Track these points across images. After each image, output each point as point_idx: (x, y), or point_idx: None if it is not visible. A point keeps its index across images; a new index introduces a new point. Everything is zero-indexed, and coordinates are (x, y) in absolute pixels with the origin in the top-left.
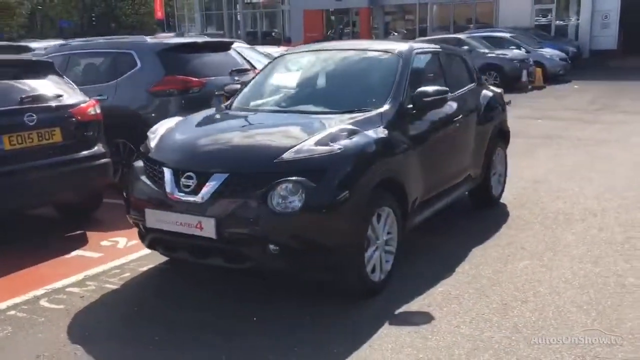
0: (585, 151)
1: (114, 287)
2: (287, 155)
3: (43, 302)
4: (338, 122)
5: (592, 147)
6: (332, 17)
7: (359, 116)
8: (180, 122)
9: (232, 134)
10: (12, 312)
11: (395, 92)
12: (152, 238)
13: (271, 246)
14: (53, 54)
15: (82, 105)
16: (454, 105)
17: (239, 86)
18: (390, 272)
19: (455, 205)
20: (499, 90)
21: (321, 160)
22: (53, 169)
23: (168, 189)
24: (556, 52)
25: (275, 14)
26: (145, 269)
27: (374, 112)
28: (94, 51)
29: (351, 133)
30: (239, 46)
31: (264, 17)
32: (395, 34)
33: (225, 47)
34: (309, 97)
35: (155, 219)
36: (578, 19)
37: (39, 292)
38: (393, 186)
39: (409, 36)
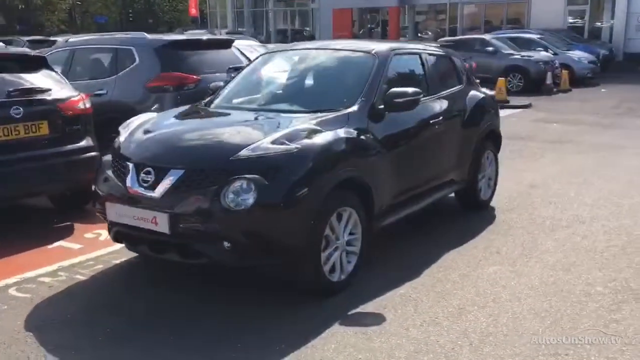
0: (593, 157)
1: (83, 278)
2: (242, 153)
3: (12, 291)
4: (302, 122)
5: (602, 152)
6: (365, 16)
7: (325, 116)
8: (151, 119)
9: (195, 131)
10: None
11: (367, 92)
12: (116, 231)
13: (225, 242)
14: (59, 49)
15: (71, 99)
16: (434, 106)
17: (222, 84)
18: (353, 273)
19: (442, 208)
20: (490, 92)
21: (275, 158)
22: (40, 160)
23: (129, 183)
24: (585, 54)
25: (305, 12)
26: (118, 261)
27: (341, 112)
28: (96, 47)
29: (311, 132)
30: (247, 44)
31: (296, 15)
32: (429, 33)
33: (226, 44)
34: (283, 96)
35: (116, 212)
36: (612, 21)
37: (12, 280)
38: (357, 187)
39: (439, 36)
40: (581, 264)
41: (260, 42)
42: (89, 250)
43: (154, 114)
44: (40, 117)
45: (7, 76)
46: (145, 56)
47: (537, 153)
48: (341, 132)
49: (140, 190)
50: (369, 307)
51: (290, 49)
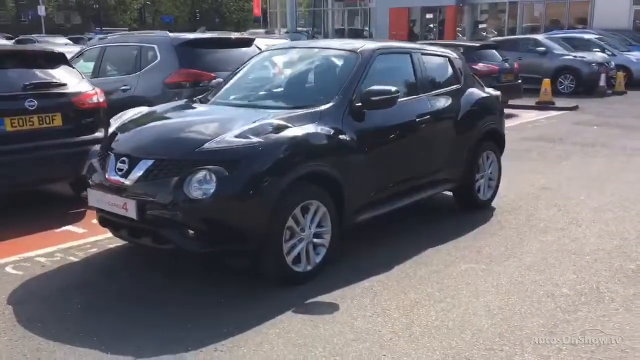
0: (620, 161)
1: (75, 259)
2: (206, 146)
3: (8, 268)
4: (272, 117)
5: (631, 157)
6: (423, 15)
7: (298, 112)
8: (141, 112)
9: (171, 124)
10: None
11: (344, 90)
12: (100, 217)
13: (190, 230)
14: (92, 46)
15: (85, 94)
16: (421, 105)
17: (221, 80)
18: (321, 264)
19: (440, 206)
20: (495, 93)
21: (237, 151)
22: (53, 150)
23: (107, 171)
24: None
25: (363, 12)
26: (112, 246)
27: (314, 109)
28: (124, 44)
29: (278, 128)
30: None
31: (354, 15)
32: (486, 33)
33: (247, 43)
34: (270, 93)
35: (95, 198)
36: None
37: (12, 258)
38: (325, 181)
39: (498, 35)
40: (558, 266)
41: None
42: (91, 235)
43: (146, 108)
44: (54, 109)
45: (25, 71)
46: (165, 54)
47: (562, 156)
48: (309, 128)
49: (115, 178)
50: (327, 297)
51: (285, 48)
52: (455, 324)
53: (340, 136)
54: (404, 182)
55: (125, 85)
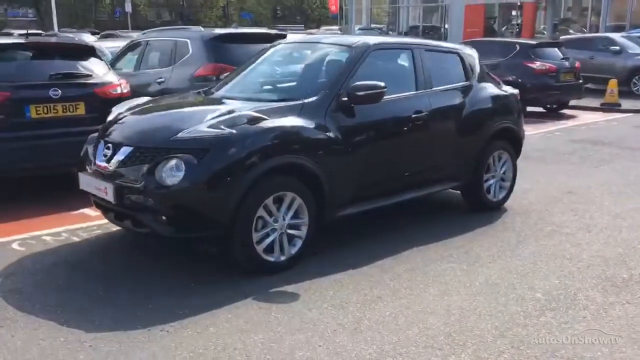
0: None
1: (77, 239)
2: (180, 135)
3: (14, 244)
4: (250, 109)
5: None
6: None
7: (279, 104)
8: (140, 102)
9: (157, 114)
10: None
11: (331, 84)
12: (94, 200)
13: (162, 215)
14: (136, 40)
15: (108, 85)
16: (419, 101)
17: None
18: (297, 256)
19: (449, 205)
20: (512, 91)
21: (207, 140)
22: (75, 137)
23: (96, 157)
24: None
25: (439, 9)
26: (115, 229)
27: (296, 102)
28: (162, 39)
29: (252, 119)
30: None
31: (430, 12)
32: (572, 31)
33: (274, 38)
34: (264, 86)
35: (85, 182)
36: None
37: (22, 236)
38: (303, 174)
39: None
40: (544, 270)
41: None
42: (101, 218)
43: (145, 98)
44: (77, 98)
45: (53, 62)
46: (196, 48)
47: (604, 159)
48: (286, 121)
49: (101, 163)
50: (293, 287)
51: (289, 42)
52: (407, 320)
53: (321, 130)
54: (396, 178)
55: (160, 78)
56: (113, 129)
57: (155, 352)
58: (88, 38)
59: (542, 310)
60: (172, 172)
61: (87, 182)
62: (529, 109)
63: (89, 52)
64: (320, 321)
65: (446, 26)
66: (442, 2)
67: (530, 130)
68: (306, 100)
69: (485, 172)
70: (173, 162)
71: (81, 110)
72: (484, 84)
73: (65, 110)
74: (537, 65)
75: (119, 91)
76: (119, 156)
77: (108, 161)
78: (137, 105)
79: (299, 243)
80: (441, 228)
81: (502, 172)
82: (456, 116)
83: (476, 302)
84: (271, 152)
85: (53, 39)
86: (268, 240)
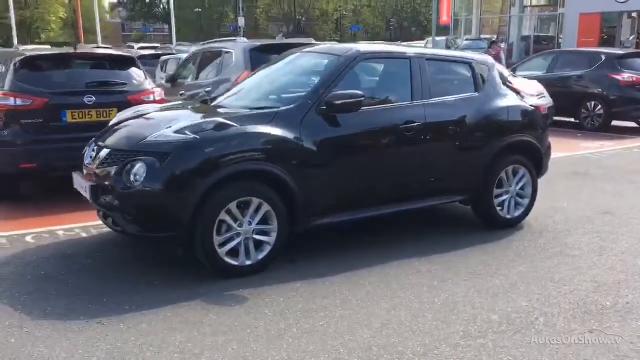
0: None
1: (85, 235)
2: (149, 139)
3: (28, 238)
4: (220, 116)
5: None
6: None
7: (252, 113)
8: (141, 108)
9: (142, 120)
10: (2, 240)
11: (311, 93)
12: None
13: (127, 215)
14: (192, 53)
15: (141, 93)
16: (413, 112)
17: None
18: (264, 261)
19: (459, 219)
20: (535, 103)
21: (170, 145)
22: None
23: (86, 158)
24: None
25: (552, 18)
26: None
27: (270, 110)
28: (213, 50)
29: (219, 126)
30: None
31: (550, 21)
32: None
33: None
34: (252, 95)
35: (76, 181)
36: None
37: (38, 230)
38: (271, 181)
39: None
40: (520, 293)
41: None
42: None
43: (144, 106)
44: (111, 105)
45: (92, 71)
46: (240, 58)
47: None
48: (254, 128)
49: (87, 164)
50: (248, 292)
51: (293, 53)
52: (337, 332)
53: (294, 138)
54: (383, 190)
55: (208, 88)
56: (106, 133)
57: (78, 342)
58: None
59: (485, 333)
60: (135, 174)
61: (77, 181)
62: (616, 123)
63: (130, 62)
64: (250, 326)
65: (562, 36)
66: (558, 10)
67: (610, 145)
68: (281, 109)
69: (496, 187)
70: (138, 164)
71: (114, 116)
72: (497, 96)
73: (99, 116)
74: (623, 77)
75: (151, 98)
76: (99, 158)
77: (92, 162)
78: (138, 112)
79: (267, 249)
80: (437, 243)
81: (518, 188)
82: (458, 128)
83: (421, 319)
84: (233, 159)
85: (101, 51)
86: (232, 244)
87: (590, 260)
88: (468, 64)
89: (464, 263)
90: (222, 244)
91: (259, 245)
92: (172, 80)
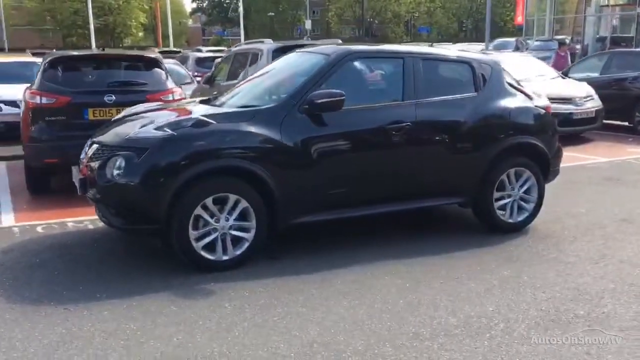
0: None
1: (92, 227)
2: (131, 134)
3: (38, 228)
4: (200, 114)
5: None
6: None
7: (233, 110)
8: (147, 106)
9: (135, 117)
10: (14, 229)
11: (295, 92)
12: None
13: (110, 208)
14: (227, 53)
15: (160, 92)
16: (401, 111)
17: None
18: (242, 257)
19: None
20: (542, 104)
21: (148, 140)
22: None
23: (82, 152)
24: None
25: (630, 18)
26: None
27: (250, 109)
28: (242, 52)
29: (197, 123)
30: None
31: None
32: None
33: None
34: (245, 94)
35: (73, 174)
36: None
37: (50, 221)
38: (249, 178)
39: None
40: (490, 298)
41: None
42: None
43: (144, 105)
44: (130, 104)
45: (115, 71)
46: (265, 58)
47: None
48: (232, 126)
49: (81, 158)
50: (218, 286)
51: (292, 53)
52: (286, 327)
53: (273, 136)
54: (370, 189)
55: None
56: (101, 129)
57: (39, 325)
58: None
59: (436, 335)
60: (115, 168)
61: (74, 175)
62: None
63: (153, 63)
64: (204, 318)
65: None
66: (636, 9)
67: None
68: (261, 107)
69: (496, 189)
70: (118, 159)
71: None
72: (498, 96)
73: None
74: None
75: (170, 98)
76: (90, 152)
77: (85, 157)
78: (133, 111)
79: (245, 245)
80: (430, 245)
81: (521, 191)
82: (453, 128)
83: (377, 319)
84: (208, 155)
85: (128, 52)
86: (208, 239)
87: (584, 267)
88: (467, 63)
89: (447, 266)
90: (199, 239)
91: (237, 241)
92: (209, 81)
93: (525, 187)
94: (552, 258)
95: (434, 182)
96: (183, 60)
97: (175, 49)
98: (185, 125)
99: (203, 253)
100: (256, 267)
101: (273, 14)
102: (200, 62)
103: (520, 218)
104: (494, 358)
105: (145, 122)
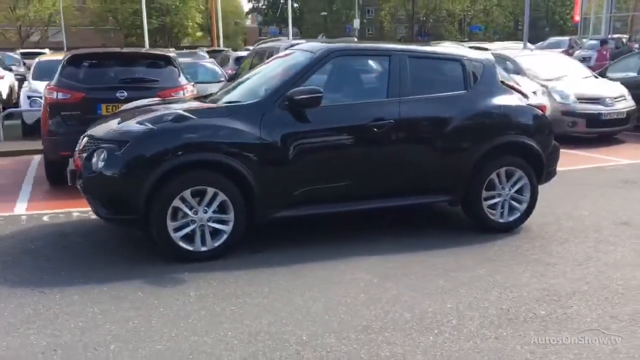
0: None
1: (93, 217)
2: (114, 128)
3: (46, 217)
4: (181, 109)
5: None
6: None
7: (212, 106)
8: (136, 103)
9: (130, 111)
10: (22, 217)
11: (276, 88)
12: None
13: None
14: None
15: (170, 89)
16: (384, 109)
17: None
18: (221, 248)
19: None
20: (536, 103)
21: (128, 134)
22: None
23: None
24: None
25: None
26: None
27: (232, 104)
28: (261, 49)
29: (178, 118)
30: None
31: None
32: None
33: None
34: (237, 91)
35: (69, 166)
36: None
37: (58, 210)
38: (227, 172)
39: None
40: (454, 295)
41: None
42: None
43: (146, 100)
44: (140, 100)
45: (129, 68)
46: None
47: None
48: (210, 121)
49: (76, 150)
50: (188, 276)
51: (286, 51)
52: (241, 316)
53: (252, 132)
54: (349, 185)
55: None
56: (97, 122)
57: (10, 305)
58: None
59: (385, 329)
60: (98, 160)
61: (70, 165)
62: None
63: (167, 60)
64: (166, 305)
65: None
66: None
67: None
68: (242, 103)
69: (485, 189)
70: (101, 151)
71: None
72: (489, 94)
73: None
74: None
75: (181, 94)
76: (81, 145)
77: (78, 149)
78: (133, 106)
79: (224, 237)
80: (413, 242)
81: (512, 191)
82: (439, 126)
83: (332, 311)
84: (185, 149)
85: (143, 51)
86: (186, 230)
87: (563, 269)
88: (458, 61)
89: (423, 263)
90: (177, 229)
91: (216, 233)
92: (232, 79)
93: (516, 187)
94: (533, 259)
95: (419, 180)
96: (225, 59)
97: (220, 49)
98: (165, 120)
99: (181, 243)
100: (235, 259)
101: (325, 13)
102: (239, 60)
103: (512, 218)
104: (434, 352)
105: (135, 116)
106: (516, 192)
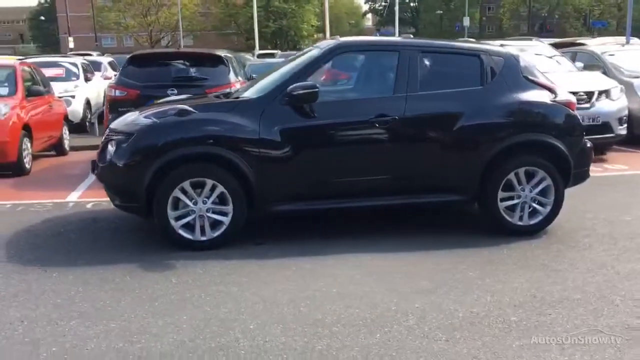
0: None
1: (90, 208)
2: (126, 121)
3: (90, 205)
4: (185, 104)
5: None
6: None
7: (215, 101)
8: (165, 99)
9: (159, 105)
10: (70, 204)
11: (279, 84)
12: None
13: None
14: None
15: (218, 86)
16: (389, 105)
17: None
18: (220, 239)
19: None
20: (563, 101)
21: (135, 127)
22: None
23: None
24: None
25: None
26: None
27: (235, 100)
28: (309, 48)
29: (181, 112)
30: None
31: None
32: None
33: None
34: (253, 87)
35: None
36: None
37: (104, 199)
38: (226, 165)
39: None
40: (430, 297)
41: None
42: None
43: (186, 95)
44: None
45: (182, 67)
46: None
47: None
48: (211, 115)
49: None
50: (181, 264)
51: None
52: (204, 304)
53: (251, 126)
54: (352, 182)
55: None
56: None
57: (10, 281)
58: None
59: (335, 324)
60: (109, 151)
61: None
62: None
63: (218, 60)
64: (145, 289)
65: None
66: None
67: None
68: (246, 98)
69: (502, 189)
70: (114, 142)
71: None
72: (509, 90)
73: None
74: None
75: (227, 91)
76: (104, 137)
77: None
78: (162, 101)
79: (223, 228)
80: (418, 242)
81: (534, 193)
82: (447, 122)
83: (292, 304)
84: (185, 142)
85: (196, 50)
86: (186, 220)
87: (566, 276)
88: (476, 56)
89: (416, 263)
90: (178, 218)
91: (216, 223)
92: None
93: (539, 189)
94: (540, 264)
95: (425, 178)
96: None
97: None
98: (169, 114)
99: (182, 232)
100: (234, 249)
101: (441, 11)
102: None
103: (533, 221)
104: (370, 350)
105: (155, 110)
106: (539, 194)
